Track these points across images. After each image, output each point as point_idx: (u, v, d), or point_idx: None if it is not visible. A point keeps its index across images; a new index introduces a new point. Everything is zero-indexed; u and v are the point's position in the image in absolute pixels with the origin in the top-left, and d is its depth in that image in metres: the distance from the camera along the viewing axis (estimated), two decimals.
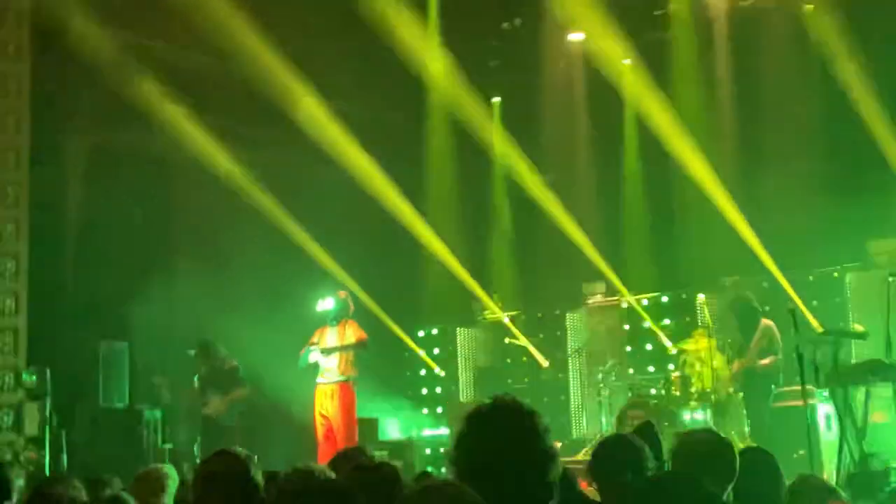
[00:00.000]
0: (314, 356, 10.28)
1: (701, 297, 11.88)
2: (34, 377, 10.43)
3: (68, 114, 12.14)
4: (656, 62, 12.42)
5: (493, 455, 2.78)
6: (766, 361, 10.21)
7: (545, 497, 2.81)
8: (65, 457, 9.84)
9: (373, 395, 11.83)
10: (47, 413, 10.17)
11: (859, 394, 8.96)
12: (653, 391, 11.60)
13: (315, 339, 10.39)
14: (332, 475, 4.41)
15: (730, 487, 3.87)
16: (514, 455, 2.77)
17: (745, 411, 10.62)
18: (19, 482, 5.34)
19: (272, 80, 11.95)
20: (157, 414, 11.02)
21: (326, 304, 10.35)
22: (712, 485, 3.95)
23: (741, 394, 10.72)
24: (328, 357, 10.21)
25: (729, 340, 11.13)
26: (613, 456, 4.54)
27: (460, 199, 14.10)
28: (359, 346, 10.21)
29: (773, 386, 10.12)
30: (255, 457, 3.99)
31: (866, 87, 11.00)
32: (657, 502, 2.46)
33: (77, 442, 10.41)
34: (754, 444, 7.87)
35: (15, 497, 4.81)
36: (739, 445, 7.94)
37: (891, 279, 8.88)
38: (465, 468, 2.77)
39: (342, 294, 10.64)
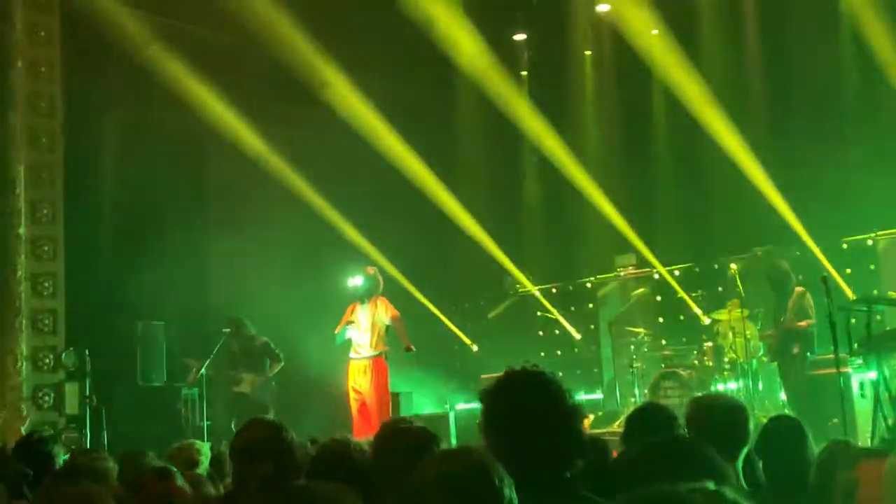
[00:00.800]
0: (350, 333, 10.36)
1: (733, 266, 11.82)
2: (73, 358, 10.61)
3: (102, 96, 12.27)
4: (685, 32, 12.30)
5: (519, 420, 2.88)
6: (803, 323, 10.16)
7: (573, 453, 2.88)
8: (105, 435, 10.00)
9: (406, 370, 11.92)
10: (87, 392, 10.35)
11: (894, 361, 8.92)
12: (686, 362, 11.60)
13: (349, 316, 10.47)
14: (366, 448, 4.49)
15: (744, 451, 3.88)
16: (538, 417, 2.86)
17: (779, 380, 10.59)
18: (64, 458, 5.45)
19: (302, 58, 12.00)
20: (195, 392, 11.16)
21: (356, 281, 10.42)
22: (726, 448, 3.99)
23: (775, 363, 10.69)
24: (362, 333, 10.28)
25: (761, 310, 11.08)
26: (646, 423, 4.58)
27: (491, 175, 14.09)
28: (405, 346, 10.30)
29: (808, 353, 10.08)
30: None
31: None
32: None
33: (116, 420, 10.57)
34: (788, 412, 7.88)
35: None
36: (772, 413, 7.95)
37: None
38: (495, 435, 2.86)
39: (370, 270, 10.67)
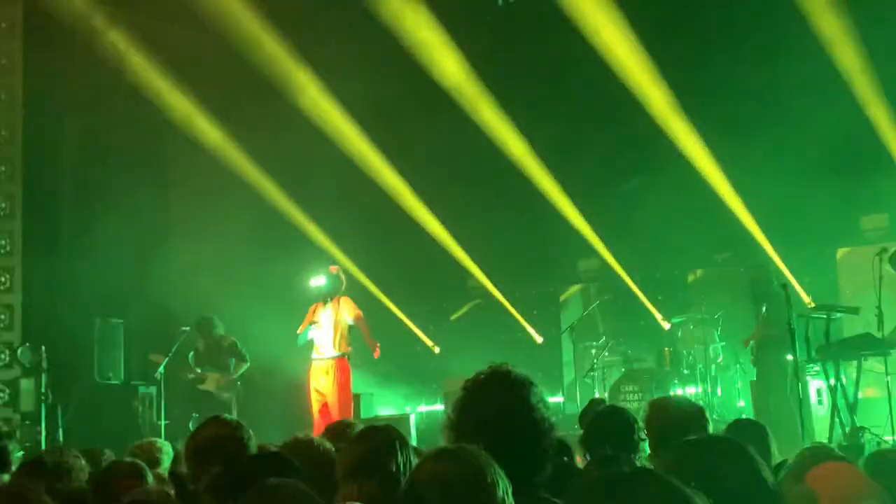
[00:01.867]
0: (312, 333, 10.29)
1: (696, 273, 11.93)
2: (30, 354, 10.47)
3: (64, 91, 12.12)
4: (652, 43, 12.30)
5: (488, 421, 2.86)
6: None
7: (537, 464, 2.87)
8: (61, 432, 9.88)
9: (368, 371, 11.88)
10: (43, 389, 10.21)
11: (851, 368, 9.03)
12: (646, 366, 11.69)
13: (311, 317, 10.40)
14: (330, 446, 4.47)
15: None
16: (507, 421, 2.84)
17: (738, 385, 10.68)
18: (18, 454, 5.36)
19: (266, 55, 11.93)
20: (153, 390, 11.05)
21: (318, 280, 10.33)
22: None
23: (735, 368, 10.79)
24: (324, 333, 10.22)
25: (718, 315, 11.19)
26: (604, 428, 4.60)
27: (455, 176, 14.06)
28: (373, 350, 10.24)
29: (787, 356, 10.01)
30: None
31: (860, 65, 10.98)
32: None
33: (73, 418, 10.44)
34: (748, 417, 7.94)
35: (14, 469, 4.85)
36: (729, 419, 8.02)
37: (881, 255, 8.95)
38: (462, 434, 2.84)
39: (333, 269, 10.59)
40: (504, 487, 2.45)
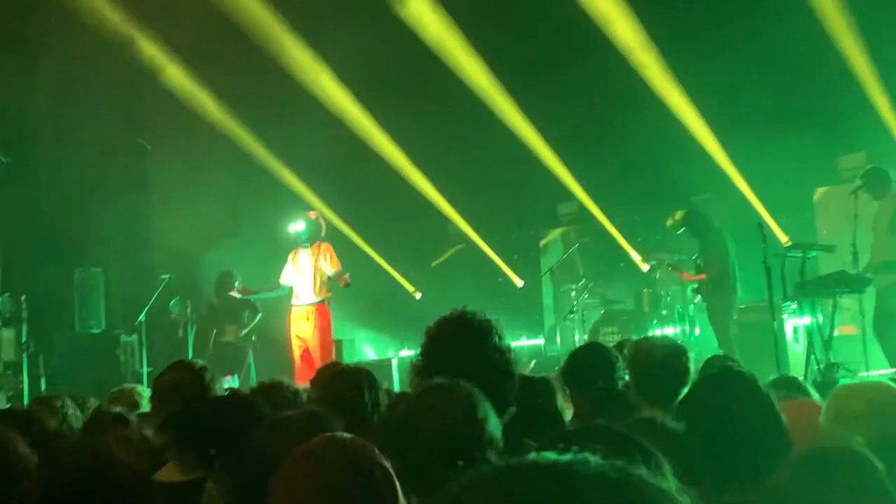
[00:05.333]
0: (290, 278, 10.31)
1: (674, 215, 11.98)
2: (10, 304, 10.46)
3: (36, 40, 11.96)
4: None
5: (449, 365, 2.95)
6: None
7: (498, 406, 2.94)
8: (43, 381, 9.90)
9: (349, 317, 11.93)
10: (24, 339, 10.22)
11: (826, 306, 9.13)
12: (625, 307, 11.79)
13: (292, 263, 10.40)
14: (298, 388, 4.54)
15: (683, 391, 3.96)
16: (466, 366, 2.93)
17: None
18: (6, 405, 5.40)
19: (245, 5, 11.81)
20: (134, 338, 11.09)
21: (298, 226, 10.32)
22: (667, 388, 4.08)
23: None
24: (304, 279, 10.24)
25: (695, 256, 11.27)
26: (586, 363, 4.66)
27: (432, 123, 14.00)
28: (341, 281, 10.17)
29: (731, 297, 10.11)
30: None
31: (835, 4, 10.95)
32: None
33: (55, 367, 10.46)
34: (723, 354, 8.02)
35: None
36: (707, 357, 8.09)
37: (857, 192, 9.00)
38: (426, 378, 2.92)
39: (312, 215, 10.58)
40: (494, 423, 2.51)
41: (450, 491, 0.99)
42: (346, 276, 10.05)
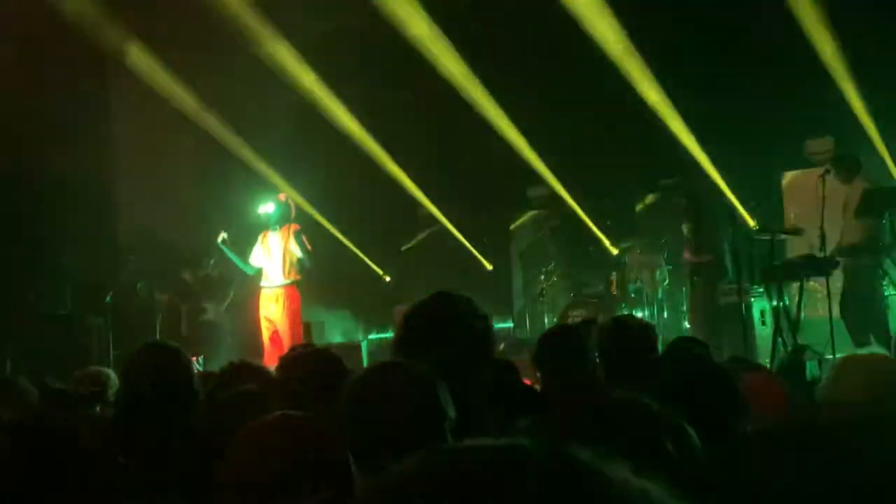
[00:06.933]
0: (259, 260, 10.26)
1: (644, 199, 12.02)
2: None
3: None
4: None
5: (430, 340, 2.92)
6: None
7: (481, 375, 2.92)
8: (8, 363, 9.79)
9: (318, 300, 11.87)
10: None
11: (793, 289, 9.20)
12: (594, 291, 11.82)
13: (261, 245, 10.35)
14: (269, 370, 4.51)
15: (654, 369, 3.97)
16: (445, 337, 2.91)
17: (683, 308, 10.83)
18: None
19: None
20: (101, 320, 10.96)
21: (267, 208, 10.27)
22: (636, 365, 4.09)
23: (681, 292, 10.94)
24: (273, 261, 10.18)
25: (664, 240, 11.32)
26: (557, 345, 4.66)
27: (402, 105, 13.95)
28: (305, 255, 10.11)
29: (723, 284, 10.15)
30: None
31: None
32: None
33: (19, 349, 10.34)
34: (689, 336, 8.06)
35: None
36: None
37: (825, 176, 9.07)
38: (406, 354, 2.90)
39: (282, 197, 10.54)
40: (451, 405, 2.47)
41: (389, 475, 0.96)
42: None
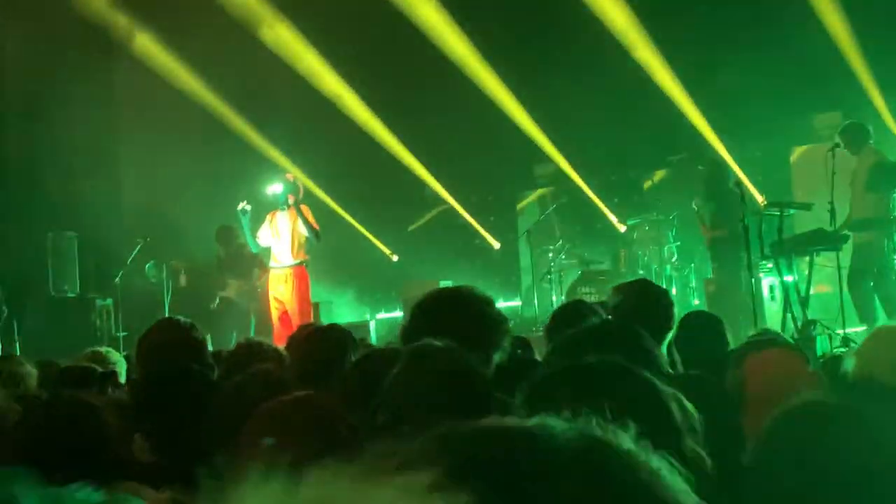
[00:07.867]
0: (267, 240, 10.25)
1: (651, 175, 11.98)
2: None
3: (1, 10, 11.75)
4: None
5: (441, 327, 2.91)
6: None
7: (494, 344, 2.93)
8: (17, 346, 9.81)
9: (326, 280, 11.89)
10: None
11: (803, 264, 9.17)
12: (602, 268, 11.80)
13: (269, 224, 10.33)
14: (280, 349, 4.51)
15: (668, 338, 3.92)
16: (457, 331, 2.90)
17: (692, 284, 10.82)
18: None
19: None
20: (109, 302, 10.99)
21: (275, 188, 10.26)
22: (652, 332, 4.04)
23: (689, 268, 10.92)
24: (282, 242, 10.17)
25: (672, 216, 11.29)
26: (570, 318, 4.62)
27: (408, 86, 13.91)
28: (312, 234, 10.10)
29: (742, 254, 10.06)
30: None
31: None
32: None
33: (29, 331, 10.37)
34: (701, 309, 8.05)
35: None
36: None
37: (834, 150, 9.02)
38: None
39: (290, 176, 10.54)
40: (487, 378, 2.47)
41: (409, 449, 0.95)
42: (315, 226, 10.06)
